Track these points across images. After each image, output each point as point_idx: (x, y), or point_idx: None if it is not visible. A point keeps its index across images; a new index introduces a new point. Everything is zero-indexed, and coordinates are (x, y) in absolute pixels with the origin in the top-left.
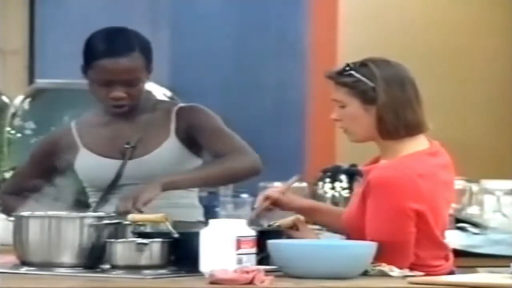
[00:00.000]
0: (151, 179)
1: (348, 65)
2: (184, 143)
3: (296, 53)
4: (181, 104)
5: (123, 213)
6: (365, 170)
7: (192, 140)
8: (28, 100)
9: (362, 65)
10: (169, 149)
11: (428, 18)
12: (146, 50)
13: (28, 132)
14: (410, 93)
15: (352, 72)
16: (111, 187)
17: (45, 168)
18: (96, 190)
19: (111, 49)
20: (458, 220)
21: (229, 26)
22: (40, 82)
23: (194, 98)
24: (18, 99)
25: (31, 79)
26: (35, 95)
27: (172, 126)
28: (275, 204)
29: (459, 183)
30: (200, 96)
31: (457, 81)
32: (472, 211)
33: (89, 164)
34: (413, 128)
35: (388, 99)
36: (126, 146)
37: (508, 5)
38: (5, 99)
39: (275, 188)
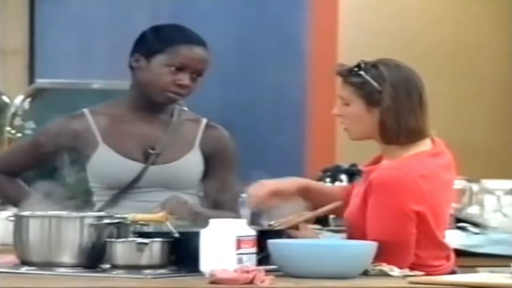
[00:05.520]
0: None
1: (359, 64)
2: (204, 158)
3: (296, 53)
4: (209, 121)
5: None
6: (367, 171)
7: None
8: (28, 100)
9: (372, 67)
10: (191, 161)
11: (428, 18)
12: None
13: (28, 132)
14: (415, 100)
15: (362, 72)
16: (127, 189)
17: (47, 156)
18: (105, 188)
19: (194, 37)
20: (459, 220)
21: (229, 26)
22: (40, 82)
23: (194, 97)
24: (18, 99)
25: (31, 79)
26: (35, 95)
27: (198, 139)
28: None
29: (459, 183)
30: (200, 96)
31: (457, 81)
32: (472, 211)
33: (108, 162)
34: (413, 135)
35: (392, 104)
36: (151, 151)
37: (509, 5)
38: (5, 99)
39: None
